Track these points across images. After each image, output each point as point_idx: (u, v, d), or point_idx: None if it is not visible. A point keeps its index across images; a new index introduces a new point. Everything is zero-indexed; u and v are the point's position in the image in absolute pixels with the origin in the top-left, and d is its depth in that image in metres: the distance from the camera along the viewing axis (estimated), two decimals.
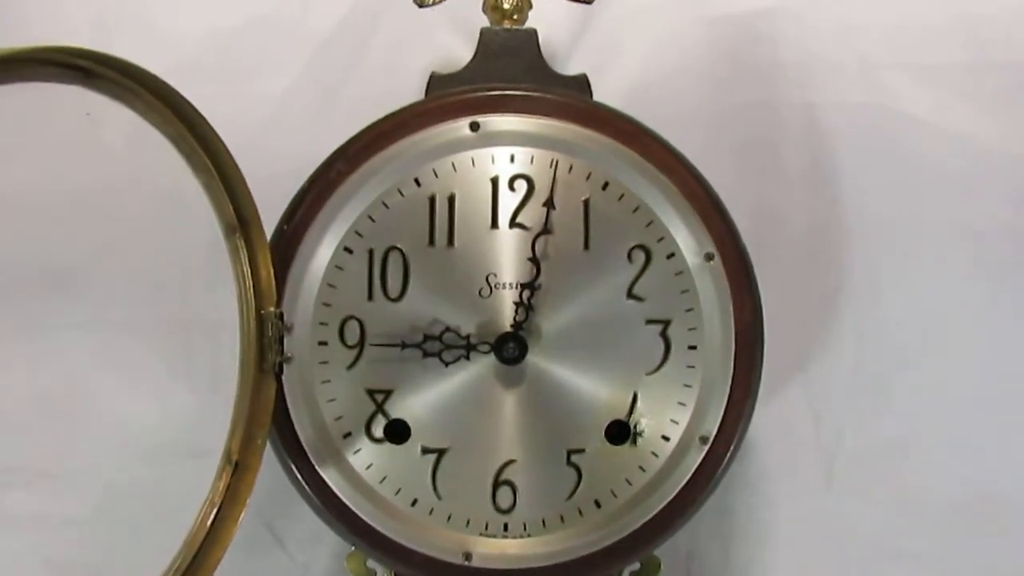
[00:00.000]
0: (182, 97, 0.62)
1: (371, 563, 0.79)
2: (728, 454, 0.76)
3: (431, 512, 0.75)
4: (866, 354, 0.95)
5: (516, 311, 0.74)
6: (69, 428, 0.91)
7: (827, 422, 0.95)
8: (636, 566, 0.79)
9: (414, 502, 0.75)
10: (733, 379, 0.75)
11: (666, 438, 0.75)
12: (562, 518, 0.75)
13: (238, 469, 0.70)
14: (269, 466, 0.87)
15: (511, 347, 0.73)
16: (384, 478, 0.75)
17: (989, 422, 0.95)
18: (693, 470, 0.75)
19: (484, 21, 0.80)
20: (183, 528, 0.69)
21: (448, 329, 0.74)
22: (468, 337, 0.74)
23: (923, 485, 0.94)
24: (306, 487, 0.75)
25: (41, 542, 0.90)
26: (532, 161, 0.75)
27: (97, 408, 0.91)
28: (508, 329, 0.74)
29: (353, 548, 0.78)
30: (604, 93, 0.81)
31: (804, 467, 0.96)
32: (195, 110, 0.63)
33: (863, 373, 0.95)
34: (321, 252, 0.74)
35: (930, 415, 0.94)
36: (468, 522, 0.75)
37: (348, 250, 0.74)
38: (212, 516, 0.67)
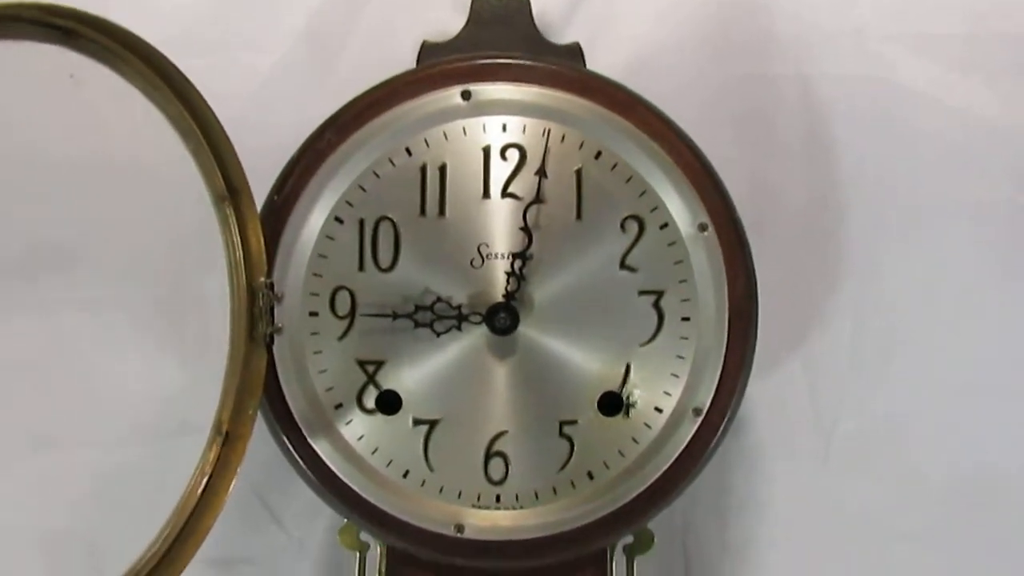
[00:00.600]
0: (168, 61, 0.61)
1: (364, 536, 0.79)
2: (722, 426, 0.76)
3: (423, 484, 0.75)
4: (864, 330, 0.94)
5: (508, 281, 0.73)
6: (60, 403, 0.90)
7: (825, 399, 0.95)
8: (629, 539, 0.79)
9: (406, 473, 0.75)
10: (727, 351, 0.75)
11: (659, 410, 0.75)
12: (555, 490, 0.75)
13: (228, 439, 0.70)
14: (265, 442, 0.87)
15: (503, 317, 0.73)
16: (376, 449, 0.75)
17: (988, 399, 0.94)
18: (686, 442, 0.75)
19: None
20: (175, 501, 0.69)
21: (439, 299, 0.73)
22: (460, 307, 0.73)
23: (921, 462, 0.94)
24: (298, 459, 0.75)
25: (34, 515, 0.90)
26: (524, 130, 0.74)
27: (88, 383, 0.91)
28: (500, 299, 0.73)
29: (346, 521, 0.78)
30: (598, 65, 0.81)
31: (801, 444, 0.95)
32: (182, 75, 0.62)
33: (861, 349, 0.94)
34: (311, 222, 0.74)
35: (929, 392, 0.94)
36: (460, 494, 0.75)
37: (339, 220, 0.74)
38: (203, 485, 0.67)
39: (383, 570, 0.77)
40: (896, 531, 0.94)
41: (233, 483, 0.70)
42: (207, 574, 0.94)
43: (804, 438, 0.95)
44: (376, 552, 0.78)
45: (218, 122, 0.67)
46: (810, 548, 0.94)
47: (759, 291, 0.76)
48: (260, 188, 0.74)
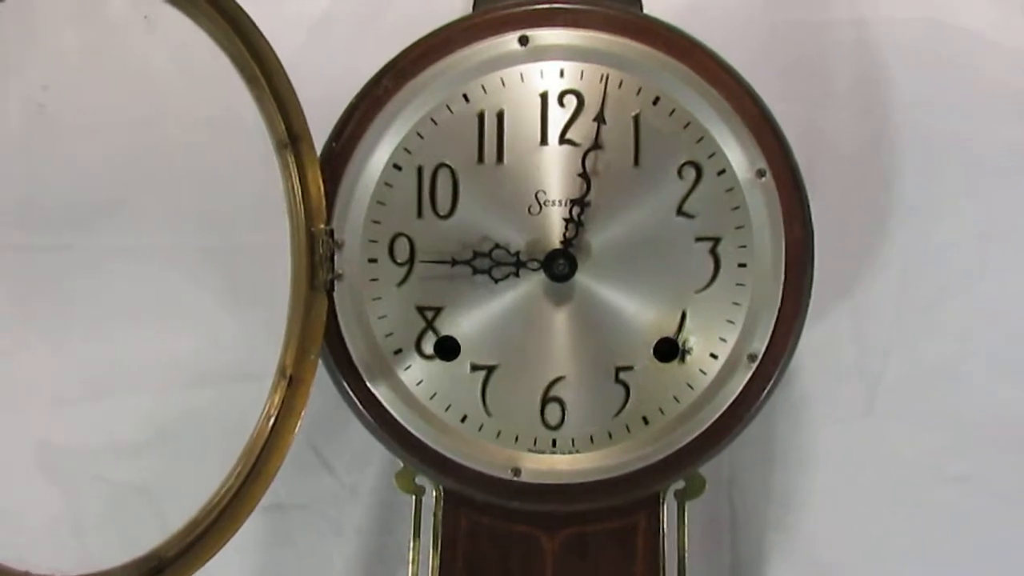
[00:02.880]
0: (238, 5, 0.61)
1: (419, 480, 0.80)
2: (776, 372, 0.76)
3: (480, 428, 0.76)
4: (914, 278, 0.94)
5: (566, 228, 0.73)
6: (122, 355, 0.92)
7: (873, 346, 0.95)
8: (681, 484, 0.80)
9: (464, 418, 0.76)
10: (783, 297, 0.75)
11: (714, 356, 0.75)
12: (610, 434, 0.76)
13: (292, 383, 0.71)
14: (316, 389, 0.89)
15: (561, 264, 0.73)
16: (434, 394, 0.76)
17: None
18: (741, 388, 0.75)
19: None
20: (238, 449, 0.71)
21: (497, 246, 0.74)
22: (517, 254, 0.74)
23: (968, 409, 0.94)
24: (358, 403, 0.76)
25: (99, 466, 0.92)
26: (582, 76, 0.74)
27: (149, 332, 0.92)
28: (557, 246, 0.74)
29: (401, 465, 0.80)
30: (652, 10, 0.80)
31: (848, 392, 0.95)
32: (250, 19, 0.62)
33: (910, 297, 0.94)
34: (370, 169, 0.74)
35: (977, 339, 0.94)
36: (517, 438, 0.76)
37: (397, 167, 0.74)
38: (269, 427, 0.68)
39: (439, 513, 0.79)
40: (943, 477, 0.94)
41: (298, 425, 0.71)
42: (262, 520, 0.97)
43: (850, 385, 0.95)
44: (431, 496, 0.79)
45: (282, 68, 0.67)
46: (856, 496, 0.95)
47: None
48: (318, 139, 0.74)
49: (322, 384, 0.85)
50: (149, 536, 0.64)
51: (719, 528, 0.95)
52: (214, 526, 0.62)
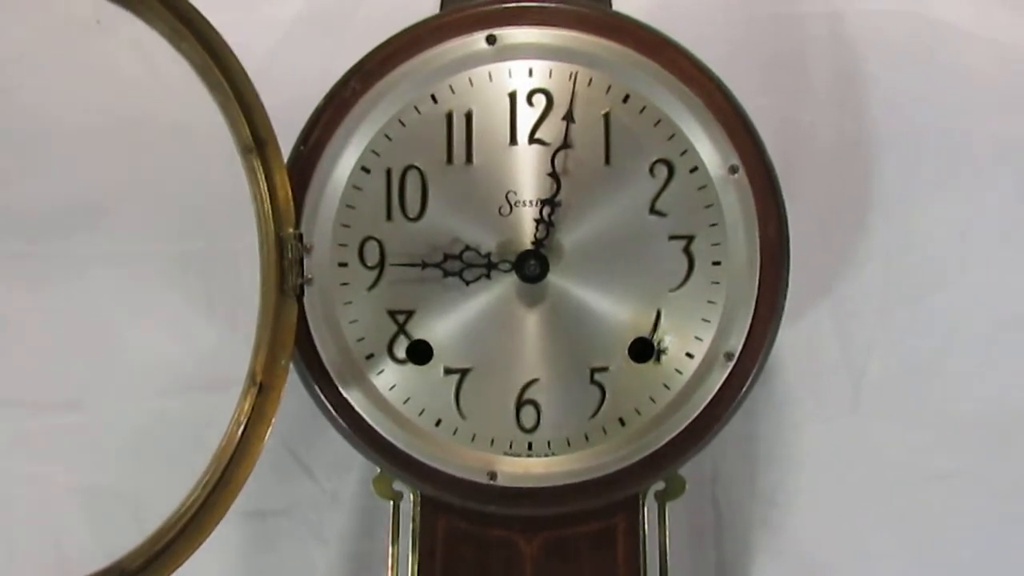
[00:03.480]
0: (194, 8, 0.60)
1: (397, 486, 0.79)
2: (754, 371, 0.75)
3: (455, 432, 0.75)
4: (896, 273, 0.93)
5: (537, 228, 0.73)
6: (95, 361, 0.92)
7: (855, 343, 0.94)
8: (661, 485, 0.79)
9: (438, 422, 0.75)
10: (758, 294, 0.74)
11: (690, 355, 0.74)
12: (586, 436, 0.75)
13: (263, 390, 0.70)
14: (295, 395, 0.88)
15: (532, 264, 0.72)
16: (408, 399, 0.75)
17: (1020, 342, 0.93)
18: (718, 387, 0.75)
19: None
20: (209, 453, 0.70)
21: (468, 248, 0.73)
22: (489, 256, 0.73)
23: (953, 404, 0.93)
24: (330, 408, 0.75)
25: (71, 471, 0.91)
26: (551, 75, 0.73)
27: (119, 340, 0.92)
28: (529, 247, 0.73)
29: (379, 470, 0.79)
30: (626, 7, 0.79)
31: (831, 389, 0.95)
32: (207, 23, 0.62)
33: (892, 293, 0.93)
34: (338, 172, 0.73)
35: (961, 335, 0.93)
36: (492, 441, 0.75)
37: (365, 170, 0.73)
38: (239, 434, 0.68)
39: (417, 518, 0.78)
40: (928, 474, 0.93)
41: (268, 433, 0.70)
42: (242, 526, 0.96)
43: (834, 382, 0.95)
44: (410, 502, 0.78)
45: (244, 72, 0.67)
46: (841, 494, 0.94)
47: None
48: (286, 143, 0.74)
49: (301, 389, 0.84)
50: (125, 542, 0.64)
51: (704, 528, 0.94)
52: (180, 536, 0.62)
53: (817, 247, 0.91)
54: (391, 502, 0.79)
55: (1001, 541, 0.93)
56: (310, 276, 0.73)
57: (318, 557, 0.96)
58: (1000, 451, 0.93)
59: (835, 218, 0.93)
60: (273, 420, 0.71)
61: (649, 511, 0.78)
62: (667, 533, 0.79)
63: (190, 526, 0.63)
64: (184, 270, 0.90)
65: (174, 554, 0.61)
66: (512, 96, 0.73)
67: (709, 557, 0.95)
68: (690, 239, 0.74)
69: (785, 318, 0.96)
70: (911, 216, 0.92)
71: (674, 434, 0.75)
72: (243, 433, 0.68)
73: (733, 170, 0.73)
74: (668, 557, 0.79)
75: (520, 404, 0.75)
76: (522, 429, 0.75)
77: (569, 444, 0.75)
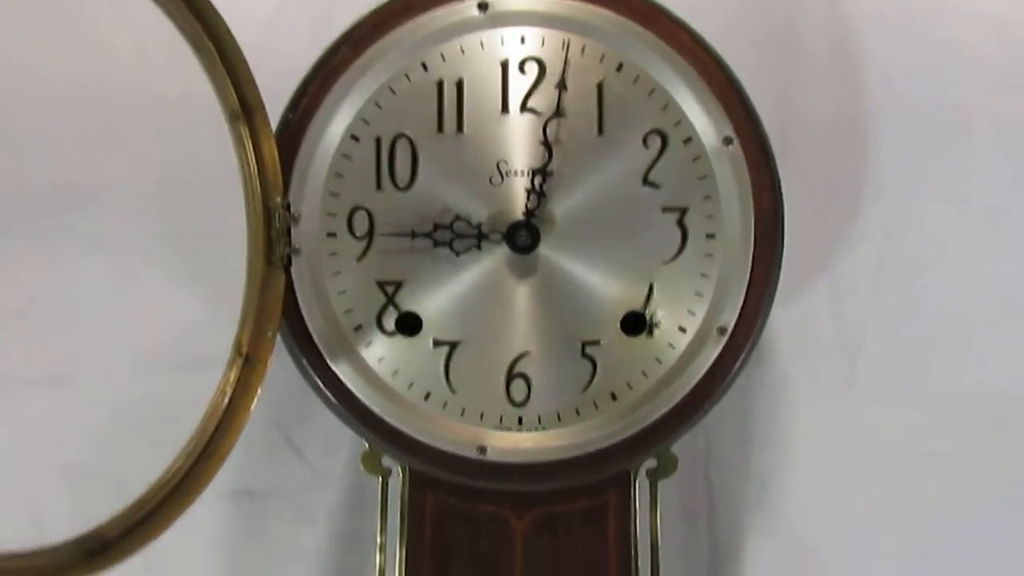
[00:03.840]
0: None
1: (386, 462, 0.78)
2: (748, 346, 0.74)
3: (444, 406, 0.74)
4: (892, 252, 0.92)
5: (528, 198, 0.72)
6: (77, 338, 0.90)
7: (850, 323, 0.93)
8: (653, 463, 0.79)
9: (427, 395, 0.74)
10: (752, 268, 0.73)
11: (683, 329, 0.74)
12: (577, 411, 0.74)
13: (248, 361, 0.69)
14: (285, 373, 0.87)
15: (523, 235, 0.71)
16: (396, 371, 0.74)
17: (1018, 322, 0.92)
18: (711, 362, 0.74)
19: None
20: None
21: (459, 218, 0.72)
22: (479, 226, 0.72)
23: (949, 383, 0.92)
24: (318, 382, 0.74)
25: (55, 449, 0.90)
26: (543, 43, 0.72)
27: (104, 316, 0.91)
28: (520, 217, 0.72)
29: (367, 446, 0.78)
30: None
31: (826, 369, 0.93)
32: None
33: (888, 270, 0.92)
34: (327, 141, 0.72)
35: (957, 315, 0.92)
36: (482, 415, 0.74)
37: (355, 138, 0.72)
38: (224, 405, 0.67)
39: (406, 494, 0.77)
40: (923, 455, 0.92)
41: (254, 404, 0.69)
42: (231, 506, 0.95)
43: (828, 363, 0.93)
44: (399, 479, 0.77)
45: (232, 37, 0.65)
46: (836, 474, 0.93)
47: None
48: (274, 113, 0.73)
49: (290, 368, 0.83)
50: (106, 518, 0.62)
51: (696, 508, 0.93)
52: (162, 506, 0.61)
53: (812, 224, 0.90)
54: (379, 479, 0.78)
55: (997, 524, 0.92)
56: (298, 246, 0.72)
57: (306, 537, 0.94)
58: (996, 433, 0.92)
59: (830, 195, 0.92)
60: (259, 392, 0.70)
61: (641, 490, 0.78)
62: (659, 512, 0.78)
63: (172, 496, 0.62)
64: (170, 245, 0.89)
65: (154, 524, 0.60)
66: (504, 64, 0.72)
67: (702, 538, 0.93)
68: (683, 211, 0.73)
69: (780, 296, 0.95)
70: (908, 192, 0.91)
71: (666, 409, 0.74)
72: (228, 404, 0.67)
73: (727, 141, 0.72)
74: (660, 536, 0.78)
75: (510, 378, 0.74)
76: (512, 403, 0.74)
77: (560, 419, 0.74)
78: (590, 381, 0.74)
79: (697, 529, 0.94)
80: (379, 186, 0.73)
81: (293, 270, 0.73)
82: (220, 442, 0.65)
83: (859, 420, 0.93)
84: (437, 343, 0.74)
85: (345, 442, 0.95)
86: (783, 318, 0.93)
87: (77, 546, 0.55)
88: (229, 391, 0.67)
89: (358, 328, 0.74)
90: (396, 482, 0.78)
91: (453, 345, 0.74)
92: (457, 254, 0.72)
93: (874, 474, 0.93)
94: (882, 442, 0.93)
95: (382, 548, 0.78)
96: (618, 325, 0.74)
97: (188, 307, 0.90)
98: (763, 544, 0.93)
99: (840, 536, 0.93)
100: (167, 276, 0.90)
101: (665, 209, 0.73)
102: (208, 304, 0.90)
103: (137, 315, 0.91)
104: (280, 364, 0.91)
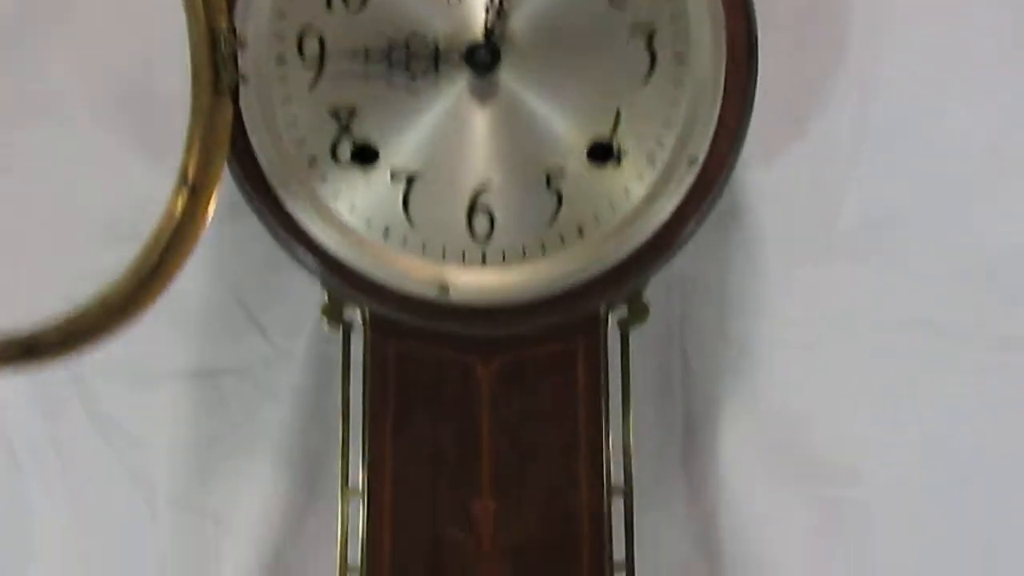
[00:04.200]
0: None
1: (348, 316, 0.75)
2: (720, 179, 0.71)
3: (404, 242, 0.70)
4: (868, 113, 0.89)
5: (487, 16, 0.68)
6: (30, 209, 0.87)
7: (827, 188, 0.90)
8: (624, 313, 0.76)
9: (386, 232, 0.70)
10: (724, 96, 0.70)
11: (651, 160, 0.71)
12: (543, 246, 0.71)
13: (195, 191, 0.66)
14: (249, 249, 0.83)
15: (482, 52, 0.68)
16: (353, 206, 0.70)
17: (1000, 183, 0.89)
18: (683, 195, 0.70)
19: None
20: None
21: (415, 34, 0.68)
22: (436, 46, 0.69)
23: (927, 250, 0.89)
24: (270, 217, 0.70)
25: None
26: None
27: (56, 187, 0.87)
28: (479, 38, 0.68)
29: (327, 297, 0.75)
30: None
31: (802, 235, 0.91)
32: None
33: (865, 134, 0.89)
34: None
35: (936, 179, 0.89)
36: (444, 252, 0.71)
37: None
38: (171, 228, 0.63)
39: (369, 342, 0.73)
40: (902, 321, 0.89)
41: (201, 236, 0.66)
42: (190, 385, 0.92)
43: (804, 229, 0.90)
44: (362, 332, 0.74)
45: None
46: (812, 341, 0.91)
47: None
48: None
49: (253, 243, 0.80)
50: None
51: (670, 376, 0.91)
52: (102, 320, 0.57)
53: (788, 85, 0.87)
54: (341, 330, 0.75)
55: (976, 388, 0.90)
56: (245, 74, 0.68)
57: (269, 412, 0.92)
58: (972, 298, 0.90)
59: (806, 56, 0.89)
60: (207, 223, 0.66)
61: (612, 342, 0.75)
62: (630, 362, 0.76)
63: (113, 313, 0.58)
64: (116, 107, 0.85)
65: (91, 337, 0.56)
66: None
67: (676, 406, 0.91)
68: (652, 33, 0.69)
69: (756, 160, 0.92)
70: (882, 53, 0.88)
71: (636, 246, 0.71)
72: (176, 229, 0.64)
73: None
74: (632, 391, 0.76)
75: (472, 211, 0.70)
76: (475, 238, 0.71)
77: (525, 254, 0.71)
78: (556, 214, 0.70)
79: (672, 397, 0.91)
80: (329, 5, 0.69)
81: (241, 101, 0.69)
82: (166, 263, 0.62)
83: (836, 286, 0.90)
84: (395, 175, 0.70)
85: (310, 317, 0.92)
86: (758, 182, 0.90)
87: (14, 342, 0.52)
88: (177, 215, 0.64)
89: (311, 160, 0.70)
90: (359, 339, 0.75)
91: (411, 177, 0.70)
92: (414, 78, 0.69)
93: (850, 339, 0.90)
94: (859, 308, 0.90)
95: (343, 403, 0.75)
96: (584, 154, 0.70)
97: (140, 171, 0.87)
98: (740, 411, 0.90)
99: (817, 401, 0.90)
100: (117, 139, 0.86)
101: (632, 29, 0.69)
102: (161, 168, 0.86)
103: (89, 181, 0.87)
104: (245, 240, 0.87)
